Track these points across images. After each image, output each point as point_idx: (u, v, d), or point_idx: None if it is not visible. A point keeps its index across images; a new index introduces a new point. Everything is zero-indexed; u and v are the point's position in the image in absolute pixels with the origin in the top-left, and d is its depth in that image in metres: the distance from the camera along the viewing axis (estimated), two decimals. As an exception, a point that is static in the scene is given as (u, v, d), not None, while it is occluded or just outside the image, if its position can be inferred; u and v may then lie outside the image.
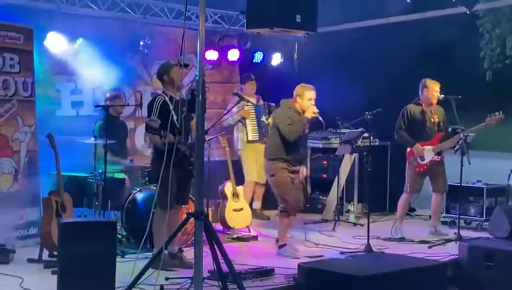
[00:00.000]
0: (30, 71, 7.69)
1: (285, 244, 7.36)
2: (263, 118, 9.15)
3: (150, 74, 9.53)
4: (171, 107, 6.32)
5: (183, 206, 6.78)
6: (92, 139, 7.47)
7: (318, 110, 7.33)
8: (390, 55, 9.37)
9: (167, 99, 6.47)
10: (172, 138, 6.06)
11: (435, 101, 8.31)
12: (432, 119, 8.37)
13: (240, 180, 8.72)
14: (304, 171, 7.48)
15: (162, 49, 9.28)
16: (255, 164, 9.09)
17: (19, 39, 7.53)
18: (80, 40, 8.46)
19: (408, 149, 8.41)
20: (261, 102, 9.39)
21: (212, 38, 9.31)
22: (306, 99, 7.36)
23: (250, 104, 8.83)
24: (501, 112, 8.09)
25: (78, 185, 7.51)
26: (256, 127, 9.18)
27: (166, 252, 6.19)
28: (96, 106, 8.37)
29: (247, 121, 9.20)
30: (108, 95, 8.33)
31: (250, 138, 9.16)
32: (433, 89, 8.28)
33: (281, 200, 7.34)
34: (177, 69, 6.53)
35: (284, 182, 7.30)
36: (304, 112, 7.36)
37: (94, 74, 8.73)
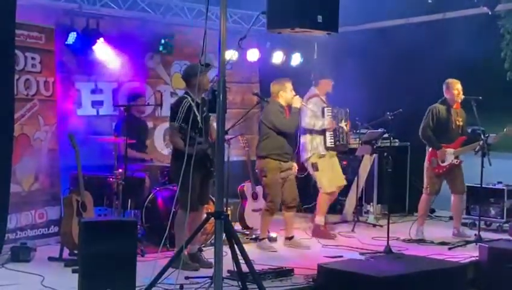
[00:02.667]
0: (51, 71, 7.74)
1: (265, 239, 7.63)
2: (342, 123, 8.36)
3: (169, 74, 9.57)
4: (195, 109, 6.36)
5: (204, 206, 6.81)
6: (113, 138, 7.50)
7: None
8: (409, 55, 9.34)
9: (190, 100, 6.49)
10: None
11: (459, 100, 8.28)
12: (457, 122, 8.34)
13: (259, 180, 8.71)
14: (296, 166, 7.76)
15: (181, 49, 9.32)
16: (331, 173, 8.37)
17: (40, 39, 7.58)
18: (101, 40, 8.50)
19: (430, 149, 8.37)
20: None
21: (231, 39, 9.31)
22: (289, 91, 7.64)
23: (329, 108, 8.27)
24: None
25: (99, 184, 7.55)
26: (333, 133, 8.28)
27: (186, 253, 6.22)
28: (117, 106, 8.43)
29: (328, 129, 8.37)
30: (131, 94, 8.36)
31: (328, 145, 8.27)
32: (454, 87, 8.26)
33: (269, 200, 7.60)
34: (206, 74, 6.56)
35: (274, 183, 7.57)
36: (289, 107, 7.59)
37: (114, 73, 8.79)
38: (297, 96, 7.67)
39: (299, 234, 8.21)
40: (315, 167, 8.30)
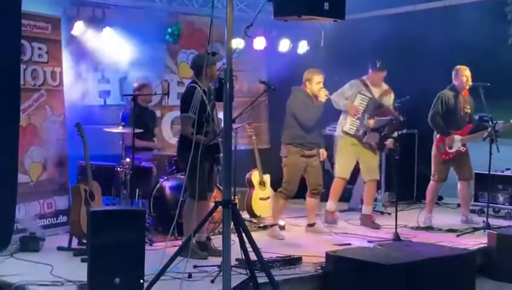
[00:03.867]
0: (58, 61, 7.74)
1: (275, 225, 7.64)
2: (366, 116, 8.18)
3: (176, 63, 9.56)
4: (205, 98, 6.38)
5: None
6: (120, 128, 7.51)
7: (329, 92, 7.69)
8: (417, 42, 9.30)
9: (200, 90, 6.48)
10: (199, 136, 6.06)
11: (467, 87, 8.26)
12: (466, 110, 8.33)
13: (266, 169, 8.71)
14: (324, 153, 7.82)
15: (188, 39, 9.30)
16: (351, 159, 8.30)
17: (47, 29, 7.58)
18: (107, 29, 8.49)
19: (438, 136, 8.36)
20: (390, 96, 8.38)
21: (238, 27, 9.30)
22: (315, 84, 7.68)
23: (365, 96, 8.21)
24: None
25: (106, 174, 7.56)
26: (358, 121, 8.22)
27: (194, 242, 6.24)
28: (124, 95, 8.44)
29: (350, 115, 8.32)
30: (135, 84, 8.36)
31: (345, 129, 8.27)
32: (463, 74, 8.24)
33: (285, 181, 7.63)
34: (215, 63, 6.54)
35: (293, 164, 7.62)
36: (315, 96, 7.66)
37: (121, 63, 8.78)
38: (324, 88, 7.69)
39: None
40: (336, 147, 8.43)
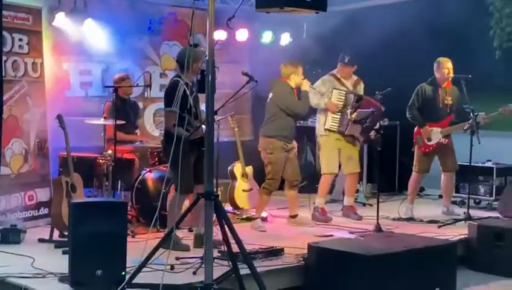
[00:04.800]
0: (39, 52, 7.69)
1: (258, 218, 7.69)
2: (348, 110, 8.09)
3: (158, 55, 9.53)
4: (188, 92, 6.36)
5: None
6: (102, 119, 7.48)
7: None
8: (399, 34, 9.31)
9: (183, 83, 6.46)
10: (182, 130, 6.04)
11: (448, 79, 8.29)
12: (446, 101, 8.36)
13: (248, 160, 8.71)
14: (296, 145, 7.90)
15: (170, 30, 9.27)
16: (336, 154, 8.22)
17: (27, 20, 7.53)
18: (89, 21, 8.45)
19: (416, 128, 8.41)
20: (360, 85, 8.35)
21: (220, 19, 9.28)
22: (300, 74, 7.76)
23: (341, 91, 8.15)
24: None
25: (88, 166, 7.53)
26: (339, 117, 8.13)
27: (177, 233, 6.26)
28: (106, 87, 8.40)
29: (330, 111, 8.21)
30: (116, 76, 8.32)
31: (327, 126, 8.18)
32: (445, 66, 8.27)
33: (270, 177, 7.65)
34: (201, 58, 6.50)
35: (279, 162, 7.66)
36: (297, 89, 7.74)
37: (102, 54, 8.74)
38: (306, 79, 7.78)
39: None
40: (318, 145, 8.40)
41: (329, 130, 8.19)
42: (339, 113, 8.13)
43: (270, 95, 7.80)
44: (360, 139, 8.23)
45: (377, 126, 7.97)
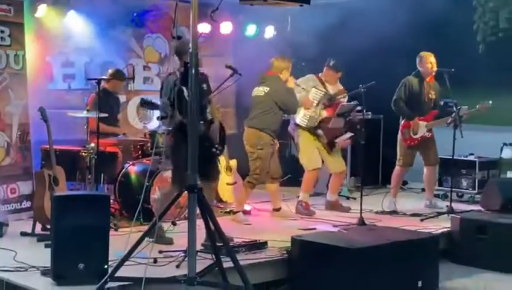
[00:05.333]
0: (21, 44, 7.63)
1: (240, 212, 7.71)
2: (318, 108, 8.13)
3: (142, 47, 9.49)
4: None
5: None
6: (85, 112, 7.44)
7: None
8: (382, 28, 9.32)
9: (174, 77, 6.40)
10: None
11: (432, 73, 8.32)
12: (430, 95, 8.40)
13: (232, 154, 8.69)
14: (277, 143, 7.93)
15: (154, 22, 9.23)
16: (316, 150, 8.23)
17: (9, 11, 7.46)
18: (71, 13, 8.39)
19: (403, 121, 8.43)
20: (345, 97, 8.35)
21: (204, 11, 9.25)
22: (288, 71, 7.81)
23: (319, 90, 8.18)
24: (490, 102, 8.13)
25: (71, 159, 7.49)
26: (309, 115, 8.15)
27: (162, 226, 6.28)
28: (89, 79, 8.36)
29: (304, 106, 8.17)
30: (110, 71, 8.28)
31: (297, 121, 8.24)
32: (428, 60, 8.30)
33: (257, 172, 7.63)
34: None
35: (267, 157, 7.67)
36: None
37: (85, 47, 8.69)
38: (291, 76, 7.83)
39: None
40: (297, 145, 8.41)
41: (298, 125, 8.19)
42: (309, 110, 8.12)
43: (265, 88, 7.73)
44: (324, 140, 8.21)
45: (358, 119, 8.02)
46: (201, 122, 6.14)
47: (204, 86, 6.30)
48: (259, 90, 7.77)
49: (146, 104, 6.18)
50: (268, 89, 7.72)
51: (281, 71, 7.76)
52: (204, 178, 6.54)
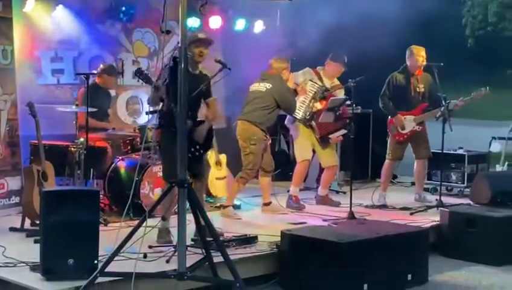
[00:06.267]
0: (10, 39, 7.58)
1: (230, 206, 7.70)
2: (316, 102, 8.12)
3: (131, 42, 9.46)
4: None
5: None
6: (74, 106, 7.41)
7: None
8: (372, 22, 9.33)
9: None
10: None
11: (421, 67, 8.33)
12: (418, 89, 8.40)
13: (222, 149, 8.68)
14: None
15: (142, 17, 9.20)
16: (309, 142, 8.26)
17: (-3, 6, 7.43)
18: (60, 7, 8.35)
19: (389, 117, 8.44)
20: (341, 91, 8.30)
21: (193, 5, 9.24)
22: (288, 70, 7.87)
23: (315, 83, 8.16)
24: (487, 88, 8.15)
25: (60, 154, 7.45)
26: (304, 107, 8.10)
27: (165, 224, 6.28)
28: (77, 74, 8.33)
29: (300, 98, 8.14)
30: (102, 66, 8.25)
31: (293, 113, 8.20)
32: (417, 54, 8.31)
33: (250, 167, 7.65)
34: (198, 45, 6.39)
35: (259, 153, 7.68)
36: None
37: (74, 41, 8.66)
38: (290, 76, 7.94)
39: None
40: (292, 137, 8.48)
41: (295, 119, 8.19)
42: (305, 102, 8.11)
43: (266, 85, 7.75)
44: (316, 134, 8.21)
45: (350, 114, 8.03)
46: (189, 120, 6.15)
47: (203, 86, 6.29)
48: (260, 86, 7.79)
49: (140, 75, 6.09)
50: (270, 86, 7.74)
51: (280, 71, 7.83)
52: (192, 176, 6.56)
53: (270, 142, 7.99)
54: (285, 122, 8.49)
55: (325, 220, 7.35)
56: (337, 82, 8.41)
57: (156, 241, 6.11)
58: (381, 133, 8.78)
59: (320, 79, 8.27)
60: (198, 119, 6.44)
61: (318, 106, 8.13)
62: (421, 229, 6.74)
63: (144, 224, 5.17)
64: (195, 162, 6.41)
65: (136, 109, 9.39)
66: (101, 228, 5.66)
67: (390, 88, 8.38)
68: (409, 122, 8.36)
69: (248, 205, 8.22)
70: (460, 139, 8.86)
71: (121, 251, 5.14)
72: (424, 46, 8.42)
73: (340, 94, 8.31)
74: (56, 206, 5.19)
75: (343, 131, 8.12)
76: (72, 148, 7.34)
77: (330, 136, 8.19)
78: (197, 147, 6.30)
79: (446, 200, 8.23)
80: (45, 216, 5.20)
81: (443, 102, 8.05)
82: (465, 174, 9.14)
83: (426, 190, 9.07)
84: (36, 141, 6.86)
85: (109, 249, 5.17)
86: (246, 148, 7.68)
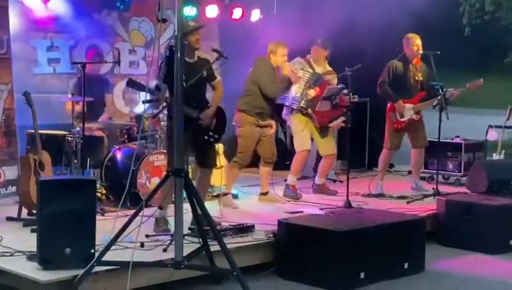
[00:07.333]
0: (5, 28, 7.56)
1: (229, 194, 7.70)
2: (310, 90, 8.08)
3: (127, 31, 9.44)
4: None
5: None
6: (70, 96, 7.39)
7: None
8: (368, 11, 9.31)
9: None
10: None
11: (418, 55, 8.32)
12: (416, 78, 8.39)
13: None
14: (274, 124, 7.84)
15: (139, 6, 9.17)
16: (307, 131, 8.19)
17: (-7, -5, 7.40)
18: (56, -4, 8.33)
19: (389, 104, 8.43)
20: (334, 77, 8.27)
21: (190, -6, 9.24)
22: (279, 56, 7.71)
23: (306, 71, 8.13)
24: (481, 80, 8.15)
25: (56, 143, 7.44)
26: (298, 95, 8.09)
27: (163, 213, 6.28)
28: (73, 63, 8.31)
29: (293, 87, 8.07)
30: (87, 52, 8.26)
31: (287, 103, 8.22)
32: (414, 43, 8.30)
33: (239, 151, 7.67)
34: (195, 33, 6.38)
35: (248, 136, 7.65)
36: (278, 69, 7.71)
37: (70, 30, 8.63)
38: (287, 62, 7.76)
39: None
40: (289, 128, 8.47)
41: (291, 109, 8.17)
42: (299, 91, 8.09)
43: (251, 69, 7.77)
44: (315, 123, 8.20)
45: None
46: (196, 109, 6.15)
47: (204, 72, 6.28)
48: (249, 72, 7.79)
49: (133, 84, 6.11)
50: (251, 70, 7.73)
51: (268, 55, 7.75)
52: (200, 166, 6.57)
53: (273, 131, 7.87)
54: (283, 114, 8.46)
55: (322, 209, 7.35)
56: (328, 68, 8.39)
57: (153, 231, 6.12)
58: (378, 122, 8.77)
59: (312, 67, 8.25)
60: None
61: (312, 93, 8.10)
62: (418, 217, 6.76)
63: (141, 213, 5.18)
64: (207, 150, 6.44)
65: (132, 98, 9.37)
66: (98, 217, 5.66)
67: (390, 76, 8.35)
68: (407, 110, 8.34)
69: (245, 194, 8.22)
70: (457, 128, 8.85)
71: (118, 240, 5.15)
72: (421, 34, 8.40)
73: (334, 81, 8.28)
74: (53, 196, 5.19)
75: (343, 118, 8.10)
76: (69, 138, 7.33)
77: (330, 124, 8.18)
78: (210, 133, 6.31)
79: (443, 188, 8.25)
80: (42, 205, 5.20)
81: (440, 91, 8.04)
82: (462, 162, 9.15)
83: (423, 178, 9.08)
84: (33, 131, 6.85)
85: (106, 239, 5.18)
86: (236, 132, 7.74)
